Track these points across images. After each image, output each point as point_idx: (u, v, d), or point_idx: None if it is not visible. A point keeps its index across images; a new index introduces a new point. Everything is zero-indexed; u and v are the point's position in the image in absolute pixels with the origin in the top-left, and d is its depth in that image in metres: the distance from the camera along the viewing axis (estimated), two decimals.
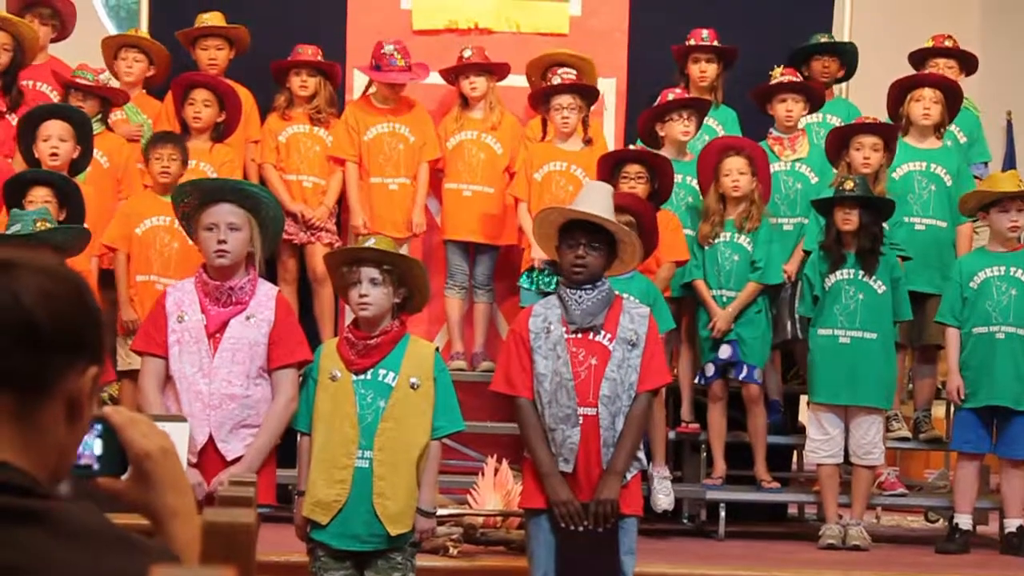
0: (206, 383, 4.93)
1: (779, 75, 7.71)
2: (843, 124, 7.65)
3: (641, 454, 5.09)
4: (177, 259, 6.98)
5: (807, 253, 7.22)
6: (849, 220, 6.87)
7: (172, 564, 1.74)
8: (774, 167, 7.61)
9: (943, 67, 8.01)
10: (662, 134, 7.53)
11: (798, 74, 7.80)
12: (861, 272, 6.91)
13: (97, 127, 7.31)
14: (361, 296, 4.85)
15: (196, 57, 7.84)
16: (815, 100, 7.75)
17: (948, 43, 8.16)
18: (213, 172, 7.23)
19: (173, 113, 7.56)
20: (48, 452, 1.78)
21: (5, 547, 1.62)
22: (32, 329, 1.73)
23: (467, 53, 7.78)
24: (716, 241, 7.22)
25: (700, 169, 7.28)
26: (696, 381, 7.33)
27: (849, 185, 6.89)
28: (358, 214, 7.65)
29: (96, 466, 1.91)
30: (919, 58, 8.14)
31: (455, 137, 7.78)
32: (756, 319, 7.25)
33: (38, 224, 5.68)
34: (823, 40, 8.19)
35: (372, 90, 7.82)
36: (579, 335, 4.97)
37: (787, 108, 7.68)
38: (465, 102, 7.83)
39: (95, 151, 7.19)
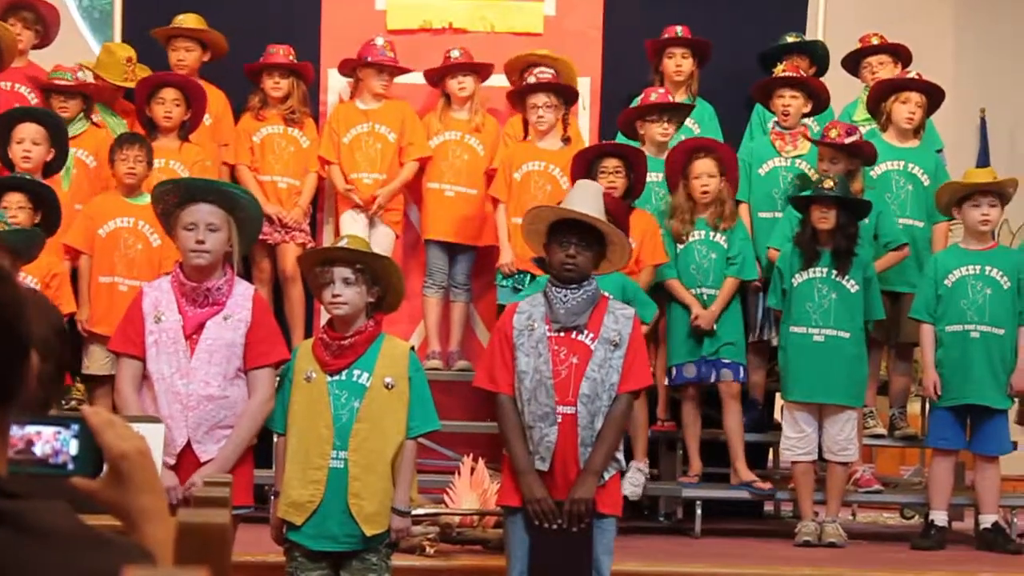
0: (184, 384, 4.91)
1: (781, 71, 7.73)
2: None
3: (620, 455, 5.09)
4: (141, 261, 6.93)
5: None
6: (826, 219, 6.88)
7: (146, 564, 1.73)
8: (774, 162, 7.64)
9: (875, 64, 8.02)
10: (641, 132, 7.58)
11: (799, 70, 7.79)
12: (835, 272, 6.91)
13: (82, 125, 7.31)
14: (334, 296, 4.85)
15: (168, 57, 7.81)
16: (816, 97, 7.74)
17: (875, 40, 8.16)
18: (184, 170, 7.18)
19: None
20: (5, 448, 1.80)
21: None
22: (18, 341, 1.75)
23: (455, 53, 7.77)
24: (690, 240, 7.23)
25: (668, 169, 7.28)
26: (671, 380, 7.31)
27: (828, 184, 6.91)
28: (339, 176, 7.65)
29: (71, 466, 1.91)
30: (852, 61, 8.15)
31: (438, 137, 7.78)
32: (735, 316, 7.27)
33: None
34: (792, 40, 8.18)
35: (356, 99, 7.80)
36: (561, 334, 4.96)
37: (784, 103, 7.68)
38: (448, 102, 7.83)
39: (81, 151, 7.20)
